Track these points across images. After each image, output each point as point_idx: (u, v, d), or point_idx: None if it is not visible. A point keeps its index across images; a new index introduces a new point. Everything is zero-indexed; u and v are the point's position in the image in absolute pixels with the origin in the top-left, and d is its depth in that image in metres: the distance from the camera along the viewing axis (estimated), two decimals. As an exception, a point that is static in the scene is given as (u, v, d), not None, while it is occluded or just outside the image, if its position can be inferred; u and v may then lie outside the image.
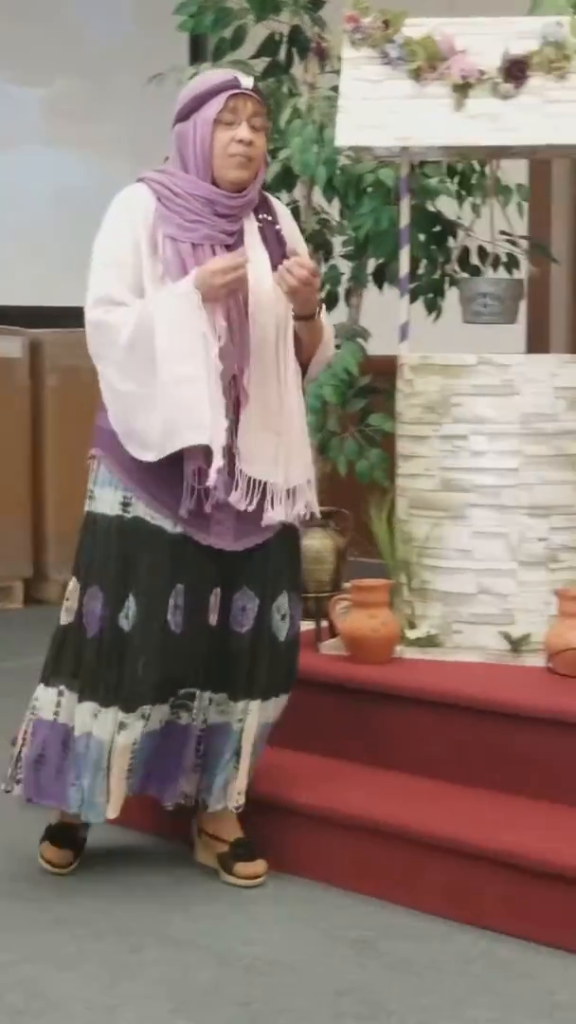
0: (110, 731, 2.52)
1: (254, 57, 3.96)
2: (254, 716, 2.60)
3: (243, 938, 2.23)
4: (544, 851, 2.38)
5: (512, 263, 3.85)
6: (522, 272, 3.90)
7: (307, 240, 3.64)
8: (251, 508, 2.47)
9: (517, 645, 2.99)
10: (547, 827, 2.54)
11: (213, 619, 2.55)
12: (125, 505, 2.54)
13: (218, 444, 2.36)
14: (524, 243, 4.05)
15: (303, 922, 2.38)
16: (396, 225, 3.43)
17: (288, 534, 2.62)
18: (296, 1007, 1.95)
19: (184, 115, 2.54)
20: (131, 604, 2.53)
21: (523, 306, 3.89)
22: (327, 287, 3.97)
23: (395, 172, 3.47)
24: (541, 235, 5.39)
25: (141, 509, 2.51)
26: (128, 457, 2.53)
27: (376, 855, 2.59)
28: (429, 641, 3.07)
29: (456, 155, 3.64)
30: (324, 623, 3.19)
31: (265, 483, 2.48)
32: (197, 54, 4.42)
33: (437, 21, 3.17)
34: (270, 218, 2.63)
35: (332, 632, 3.14)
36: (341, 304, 4.04)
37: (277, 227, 2.62)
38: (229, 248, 2.51)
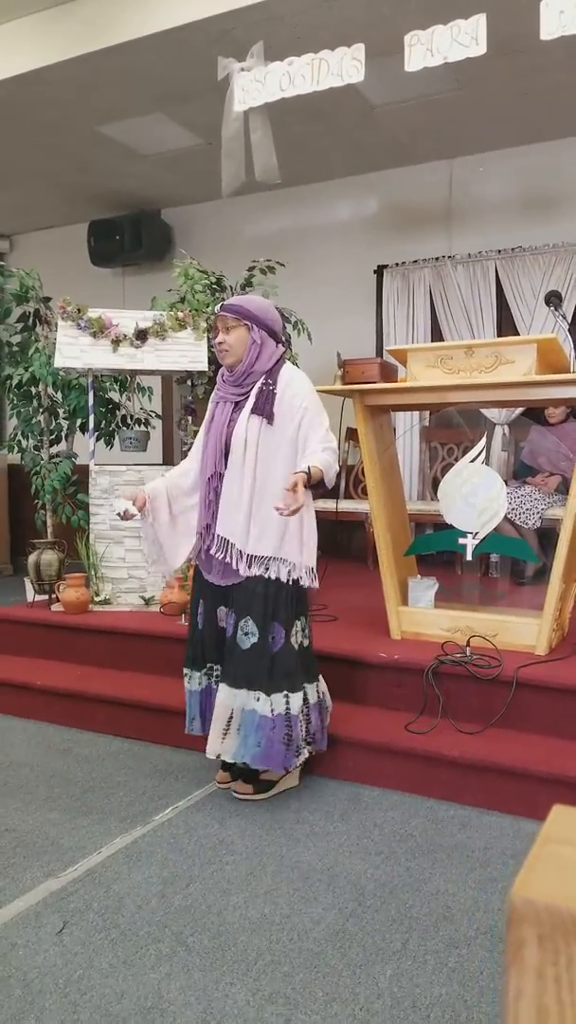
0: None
1: (18, 321, 5.30)
2: (229, 695, 2.74)
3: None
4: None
5: (146, 423, 5.10)
6: (150, 427, 5.10)
7: (51, 402, 4.66)
8: (220, 556, 2.75)
9: (148, 602, 4.39)
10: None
11: (223, 625, 2.88)
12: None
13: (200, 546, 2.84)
14: (154, 414, 5.31)
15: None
16: (88, 404, 4.59)
17: (256, 583, 2.71)
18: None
19: None
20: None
21: (153, 442, 4.92)
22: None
23: (86, 380, 4.67)
24: (165, 411, 6.75)
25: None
26: None
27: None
28: (105, 602, 4.39)
29: (115, 373, 4.93)
30: (54, 595, 4.39)
31: (230, 542, 2.74)
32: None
33: (103, 310, 4.38)
34: (271, 382, 2.74)
35: (57, 599, 4.36)
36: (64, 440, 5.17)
37: (273, 390, 2.73)
38: (236, 405, 2.75)
